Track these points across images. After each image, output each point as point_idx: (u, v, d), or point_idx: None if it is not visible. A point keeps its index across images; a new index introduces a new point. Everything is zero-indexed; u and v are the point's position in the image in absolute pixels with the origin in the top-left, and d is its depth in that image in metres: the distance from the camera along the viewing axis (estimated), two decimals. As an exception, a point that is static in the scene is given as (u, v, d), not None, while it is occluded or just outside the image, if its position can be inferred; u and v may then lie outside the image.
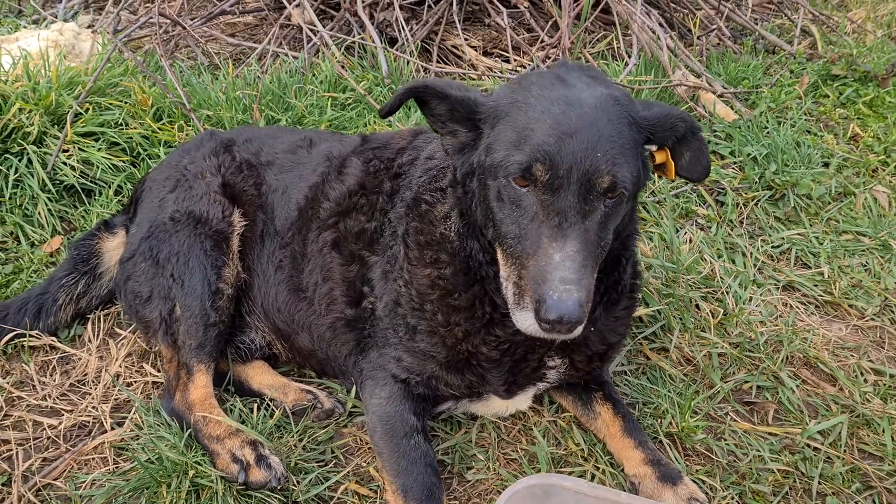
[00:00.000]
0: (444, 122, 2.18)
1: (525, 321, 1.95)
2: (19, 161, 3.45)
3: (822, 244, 3.76)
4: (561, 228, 1.89)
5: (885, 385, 2.96)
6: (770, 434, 2.74)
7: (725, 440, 2.68)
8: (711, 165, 3.99)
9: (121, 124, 3.71)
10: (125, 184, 3.57)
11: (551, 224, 1.90)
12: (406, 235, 2.45)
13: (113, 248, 2.97)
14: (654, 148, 2.15)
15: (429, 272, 2.36)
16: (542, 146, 1.91)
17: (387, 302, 2.47)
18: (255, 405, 2.60)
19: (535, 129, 1.95)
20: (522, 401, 2.62)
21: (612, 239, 2.06)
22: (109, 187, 3.53)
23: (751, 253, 3.63)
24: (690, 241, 3.66)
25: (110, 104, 3.75)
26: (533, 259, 1.91)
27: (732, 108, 4.59)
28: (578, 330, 1.90)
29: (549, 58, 4.92)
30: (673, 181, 4.03)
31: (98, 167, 3.51)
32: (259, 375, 2.72)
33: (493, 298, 2.28)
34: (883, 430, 2.73)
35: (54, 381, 2.75)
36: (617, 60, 4.99)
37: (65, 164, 3.47)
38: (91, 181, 3.53)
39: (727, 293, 3.32)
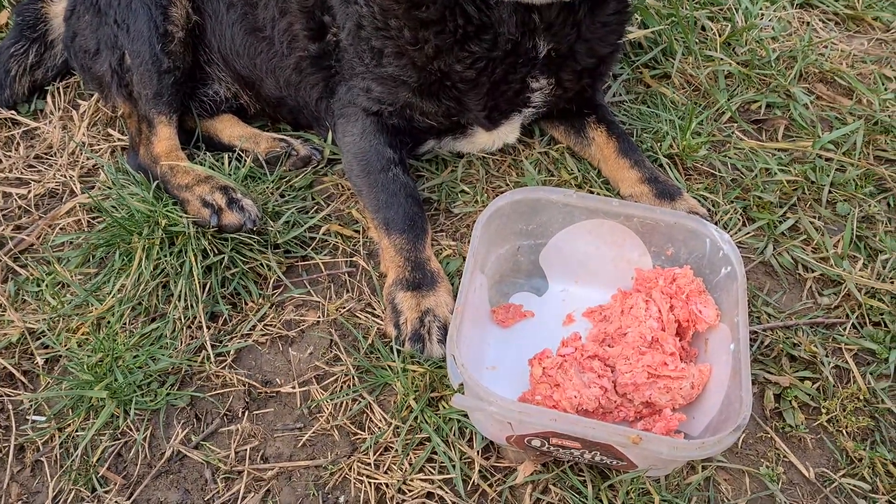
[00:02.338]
0: None
1: None
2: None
3: (846, -44, 3.36)
4: None
5: (907, 91, 2.73)
6: (779, 150, 2.56)
7: (729, 156, 2.51)
8: None
9: None
10: (68, -52, 3.24)
11: None
12: (361, -57, 2.16)
13: (60, 12, 2.72)
14: None
15: (390, -17, 2.10)
16: None
17: (349, 28, 2.23)
18: (226, 157, 2.46)
19: None
20: (509, 131, 2.44)
21: None
22: (52, -46, 3.20)
23: (765, -31, 3.27)
24: (697, -39, 3.28)
25: None
26: None
27: None
28: None
29: None
30: None
31: (34, -69, 3.17)
32: (228, 128, 2.55)
33: (465, 8, 2.04)
34: (902, 134, 2.53)
35: (19, 153, 2.61)
36: None
37: (-2, -70, 3.14)
38: (31, -52, 3.21)
39: (736, 10, 3.00)
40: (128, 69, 2.36)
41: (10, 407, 1.96)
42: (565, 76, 2.26)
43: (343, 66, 2.31)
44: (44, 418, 1.93)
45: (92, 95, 2.75)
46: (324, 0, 2.29)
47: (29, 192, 2.48)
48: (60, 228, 2.37)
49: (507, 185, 2.46)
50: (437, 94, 2.22)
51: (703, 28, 2.95)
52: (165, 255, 2.13)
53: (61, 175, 2.53)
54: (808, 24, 3.06)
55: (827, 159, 2.49)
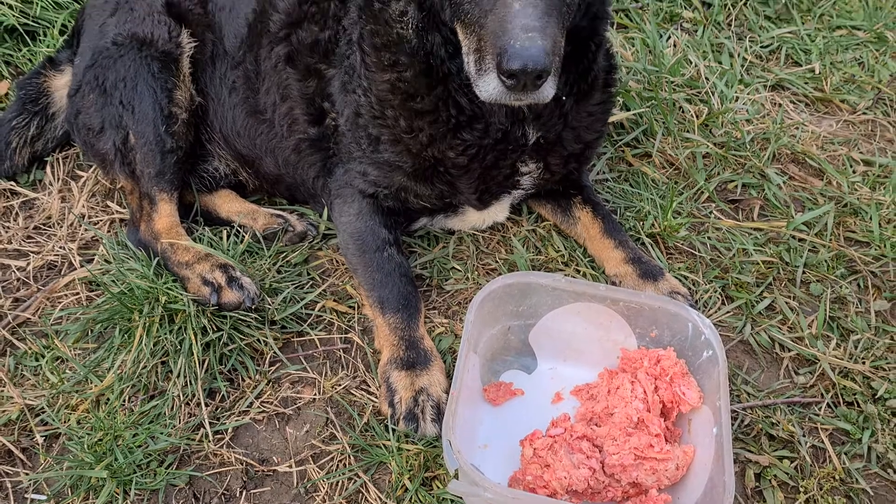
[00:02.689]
0: None
1: (488, 86, 1.81)
2: (-48, 4, 3.21)
3: (814, 41, 3.57)
4: None
5: (874, 174, 2.88)
6: (755, 229, 2.69)
7: (709, 236, 2.63)
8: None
9: (58, -43, 3.42)
10: (69, 21, 3.32)
11: None
12: (361, 40, 2.27)
13: (62, 85, 2.80)
14: None
15: (388, 76, 2.21)
16: None
17: (348, 115, 2.34)
18: (225, 233, 2.52)
19: None
20: (499, 211, 2.54)
21: (581, 11, 1.93)
22: (53, 27, 3.28)
23: (738, 53, 3.45)
24: (675, 44, 3.46)
25: (43, -64, 3.44)
26: (491, 14, 1.76)
27: None
28: (547, 90, 1.78)
29: None
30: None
31: (37, 4, 3.26)
32: (226, 203, 2.63)
33: (458, 100, 2.15)
34: (870, 217, 2.67)
35: (18, 224, 2.66)
36: None
37: (2, 3, 3.22)
38: (33, 21, 3.29)
39: (712, 93, 3.17)
40: (131, 148, 2.44)
41: (8, 485, 1.98)
42: (553, 161, 2.37)
43: (341, 149, 2.41)
44: (43, 497, 1.95)
45: (91, 167, 2.82)
46: (324, 88, 2.39)
47: (28, 264, 2.53)
48: (59, 302, 2.41)
49: (497, 262, 2.55)
50: (431, 178, 2.32)
51: (682, 109, 3.10)
52: (165, 333, 2.18)
53: (60, 247, 2.58)
54: (779, 105, 3.23)
55: (800, 240, 2.62)
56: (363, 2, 2.30)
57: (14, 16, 3.21)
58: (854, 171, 2.90)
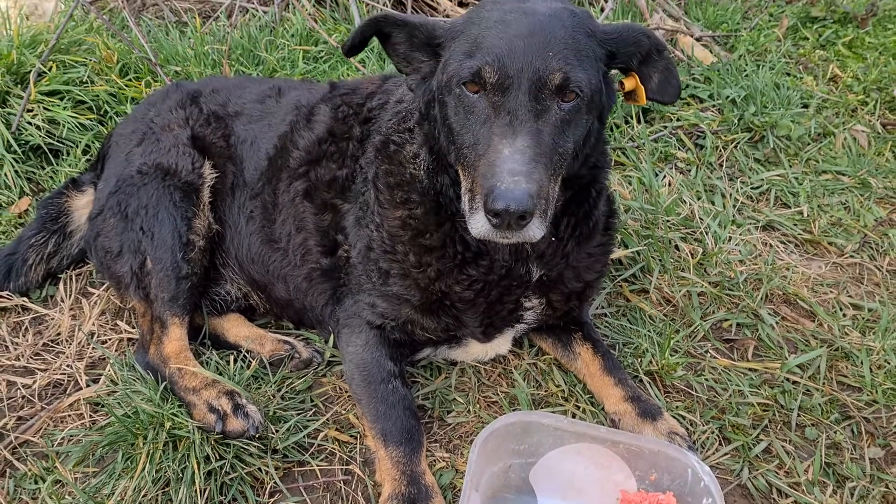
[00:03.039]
0: (406, 56, 2.14)
1: (477, 224, 1.90)
2: (-18, 122, 3.37)
3: (801, 184, 3.74)
4: (511, 126, 1.86)
5: (863, 319, 2.97)
6: (750, 370, 2.74)
7: (705, 376, 2.68)
8: (688, 110, 3.98)
9: (86, 82, 3.62)
10: (93, 142, 3.49)
11: (501, 123, 1.88)
12: (376, 178, 2.40)
13: (82, 206, 2.91)
14: (619, 73, 2.12)
15: (399, 213, 2.33)
16: (492, 49, 1.89)
17: (360, 248, 2.44)
18: (232, 357, 2.57)
19: (487, 36, 1.93)
20: (502, 344, 2.61)
21: (579, 161, 2.06)
22: (77, 146, 3.45)
23: (730, 194, 3.62)
24: (670, 184, 3.63)
25: (75, 62, 3.65)
26: (483, 158, 1.88)
27: (711, 52, 4.54)
28: (533, 230, 1.86)
29: (525, 6, 4.83)
30: (646, 106, 4.00)
31: (64, 126, 3.43)
32: (235, 328, 2.69)
33: (464, 237, 2.26)
34: (861, 362, 2.73)
35: (27, 340, 2.71)
36: (593, 5, 4.91)
37: (30, 123, 3.39)
38: (58, 141, 3.45)
39: (706, 233, 3.31)
40: (147, 273, 2.52)
41: None
42: (555, 298, 2.46)
43: (351, 280, 2.50)
44: None
45: (103, 284, 2.89)
46: (338, 222, 2.51)
47: (34, 381, 2.55)
48: (63, 422, 2.43)
49: (498, 394, 2.59)
50: (438, 311, 2.39)
51: (677, 248, 3.22)
52: (168, 460, 2.19)
53: (67, 365, 2.62)
54: (770, 246, 3.36)
55: (794, 382, 2.68)
56: (380, 143, 2.45)
57: (40, 136, 3.36)
58: (844, 315, 3.00)
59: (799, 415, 2.57)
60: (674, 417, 2.47)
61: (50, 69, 3.56)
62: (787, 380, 2.68)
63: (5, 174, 3.31)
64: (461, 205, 2.04)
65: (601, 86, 2.00)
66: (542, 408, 2.54)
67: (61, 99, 3.53)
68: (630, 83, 2.09)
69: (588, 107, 1.97)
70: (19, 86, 3.51)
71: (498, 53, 1.87)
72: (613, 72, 2.13)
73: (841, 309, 3.04)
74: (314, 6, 4.62)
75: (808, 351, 2.80)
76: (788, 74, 4.59)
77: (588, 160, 2.17)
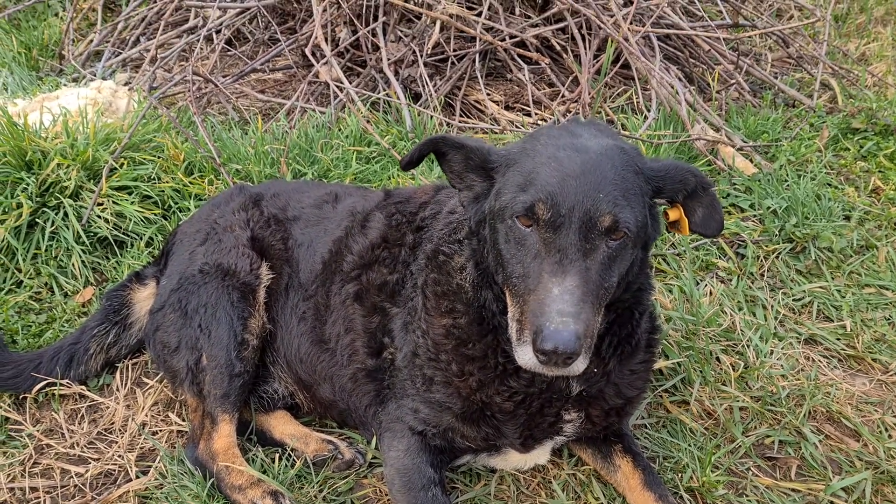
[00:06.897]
0: (460, 175, 2.27)
1: (525, 355, 1.98)
2: (56, 214, 3.59)
3: (844, 297, 3.74)
4: (561, 264, 1.95)
5: (910, 441, 2.92)
6: (793, 490, 2.71)
7: (747, 496, 2.66)
8: (729, 219, 4.05)
9: (153, 178, 3.84)
10: (156, 236, 3.68)
11: (552, 260, 1.96)
12: (425, 286, 2.51)
13: (143, 298, 3.06)
14: (665, 204, 2.21)
15: (444, 322, 2.41)
16: (546, 187, 1.99)
17: (406, 353, 2.52)
18: (277, 455, 2.63)
19: (540, 172, 2.03)
20: (541, 454, 2.63)
21: (622, 288, 2.12)
22: (141, 239, 3.64)
23: (772, 306, 3.63)
24: (711, 293, 3.67)
25: (144, 159, 3.89)
26: (533, 294, 1.96)
27: (752, 162, 4.63)
28: (578, 366, 1.93)
29: (570, 111, 5.02)
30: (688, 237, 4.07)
31: (131, 220, 3.64)
32: (281, 425, 2.76)
33: (506, 349, 2.32)
34: (908, 488, 2.69)
35: (82, 429, 2.81)
36: (636, 115, 5.07)
37: (99, 216, 3.60)
38: (124, 233, 3.65)
39: (748, 346, 3.32)
40: (202, 369, 2.63)
41: None
42: (594, 413, 2.48)
43: (395, 383, 2.57)
44: None
45: (157, 374, 3.01)
46: (386, 324, 2.60)
47: (87, 471, 2.64)
48: (111, 513, 2.50)
49: (536, 505, 2.60)
50: (478, 421, 2.44)
51: (718, 360, 3.23)
52: (212, 560, 2.24)
53: (119, 456, 2.71)
54: (813, 360, 3.35)
55: (839, 506, 2.64)
56: (430, 252, 2.56)
57: (108, 229, 3.56)
58: (889, 437, 2.96)
59: (844, 541, 2.52)
60: (715, 538, 2.45)
61: (121, 165, 3.80)
62: (832, 503, 2.64)
63: (73, 264, 3.50)
64: (509, 331, 2.12)
65: (647, 220, 2.09)
66: (580, 521, 2.54)
67: (129, 193, 3.75)
68: (674, 214, 2.19)
69: (634, 241, 2.07)
70: (92, 180, 3.75)
71: (551, 191, 1.98)
72: (659, 201, 2.22)
73: (886, 430, 3.00)
74: (369, 109, 4.86)
75: (854, 473, 2.76)
76: (830, 185, 4.64)
77: (631, 286, 2.24)
